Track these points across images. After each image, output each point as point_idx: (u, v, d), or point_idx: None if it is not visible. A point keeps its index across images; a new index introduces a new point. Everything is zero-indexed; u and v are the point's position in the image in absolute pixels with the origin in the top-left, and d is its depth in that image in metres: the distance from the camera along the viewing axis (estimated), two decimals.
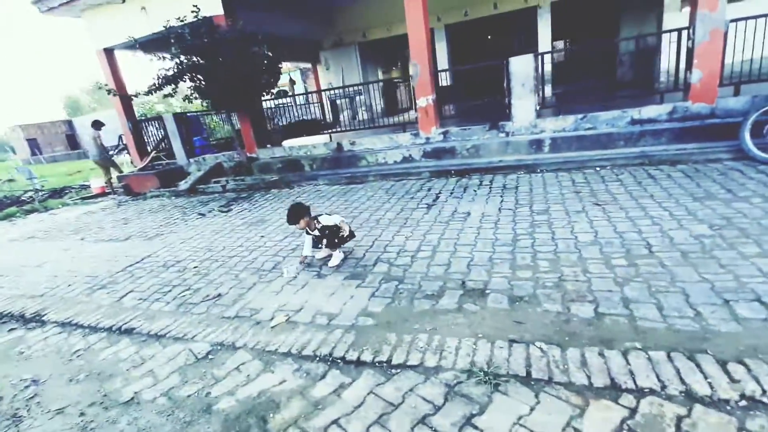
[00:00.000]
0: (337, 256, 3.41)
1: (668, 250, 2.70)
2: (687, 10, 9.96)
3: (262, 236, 4.52)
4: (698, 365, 1.70)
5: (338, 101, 12.05)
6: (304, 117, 13.54)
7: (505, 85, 6.11)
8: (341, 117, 12.70)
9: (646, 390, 1.62)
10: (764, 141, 4.05)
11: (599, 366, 1.79)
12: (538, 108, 5.90)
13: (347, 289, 2.93)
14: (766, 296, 2.09)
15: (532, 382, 1.76)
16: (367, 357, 2.14)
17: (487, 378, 1.82)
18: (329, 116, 18.25)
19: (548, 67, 9.64)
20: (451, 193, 4.94)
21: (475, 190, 4.90)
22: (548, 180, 4.81)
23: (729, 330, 1.90)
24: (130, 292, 3.60)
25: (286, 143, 8.74)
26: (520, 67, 5.73)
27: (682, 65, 5.75)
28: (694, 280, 2.32)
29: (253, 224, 5.07)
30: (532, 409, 1.62)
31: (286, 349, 2.34)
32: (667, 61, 7.90)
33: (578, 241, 3.06)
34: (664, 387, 1.62)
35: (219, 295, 3.21)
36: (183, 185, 8.28)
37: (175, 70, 6.45)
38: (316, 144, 7.75)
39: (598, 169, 4.90)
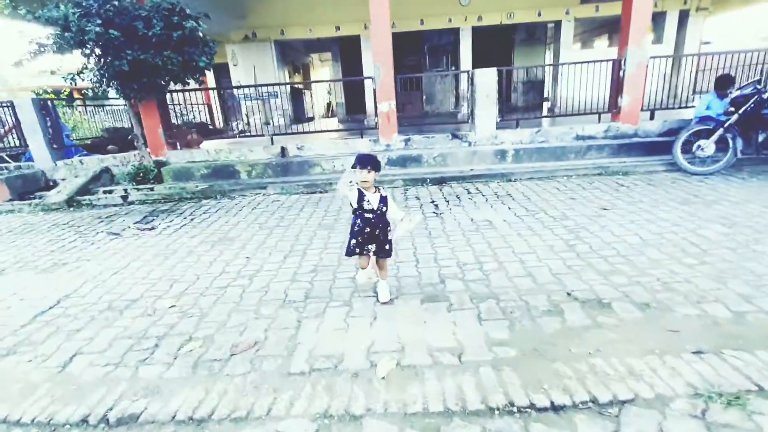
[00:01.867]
0: (385, 286, 2.65)
1: (716, 247, 2.99)
2: (578, 45, 12.00)
3: (248, 257, 3.53)
4: None
5: (248, 103, 10.73)
6: (187, 119, 11.74)
7: (469, 95, 6.24)
8: (251, 120, 11.37)
9: None
10: (693, 156, 4.98)
11: None
12: (498, 120, 6.18)
13: (439, 315, 2.42)
14: None
15: None
16: (561, 398, 1.72)
17: (727, 399, 1.62)
18: (219, 119, 16.25)
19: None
20: (447, 202, 4.72)
21: (470, 198, 4.79)
22: (532, 188, 5.02)
23: None
24: (76, 355, 2.33)
25: (209, 145, 7.29)
26: (485, 79, 5.93)
27: (571, 92, 6.78)
28: None
29: (217, 243, 3.95)
30: None
31: (440, 407, 1.74)
32: (563, 89, 9.33)
33: (630, 244, 3.17)
34: None
35: (255, 343, 2.30)
36: (55, 196, 6.10)
37: (63, 39, 4.70)
38: (253, 148, 6.64)
39: (565, 178, 5.34)
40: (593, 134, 6.04)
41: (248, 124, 11.75)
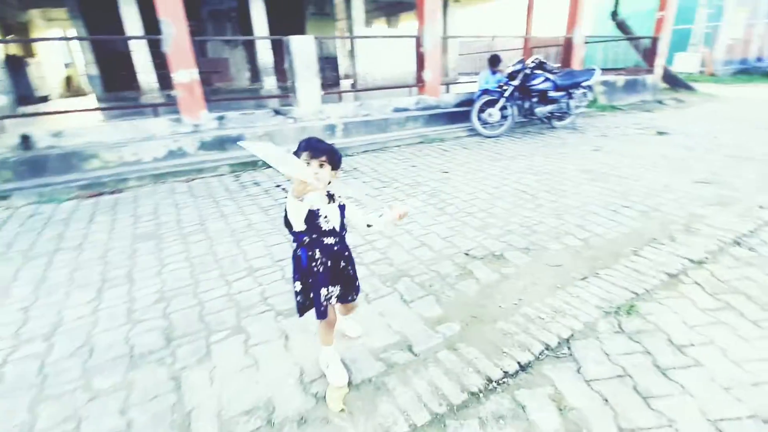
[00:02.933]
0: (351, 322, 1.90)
1: (539, 192, 3.66)
2: (374, 23, 12.49)
3: (25, 306, 2.20)
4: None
5: None
6: None
7: (286, 66, 5.66)
8: None
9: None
10: (484, 122, 6.02)
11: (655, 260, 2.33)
12: (322, 94, 5.89)
13: (361, 310, 2.07)
14: None
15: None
16: (523, 356, 1.71)
17: (625, 310, 1.96)
18: None
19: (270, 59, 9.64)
20: None
21: None
22: (372, 160, 5.04)
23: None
24: None
25: None
26: (303, 47, 5.49)
27: (370, 68, 7.33)
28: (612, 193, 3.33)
29: None
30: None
31: (426, 416, 1.46)
32: (362, 65, 9.77)
33: (483, 200, 3.54)
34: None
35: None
36: None
37: None
38: None
39: (396, 148, 5.61)
40: (407, 106, 6.54)
41: None
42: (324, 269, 1.49)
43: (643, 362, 1.65)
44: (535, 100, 5.99)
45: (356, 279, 1.64)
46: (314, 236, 1.46)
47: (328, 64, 12.81)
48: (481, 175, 4.22)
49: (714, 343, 1.74)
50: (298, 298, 1.54)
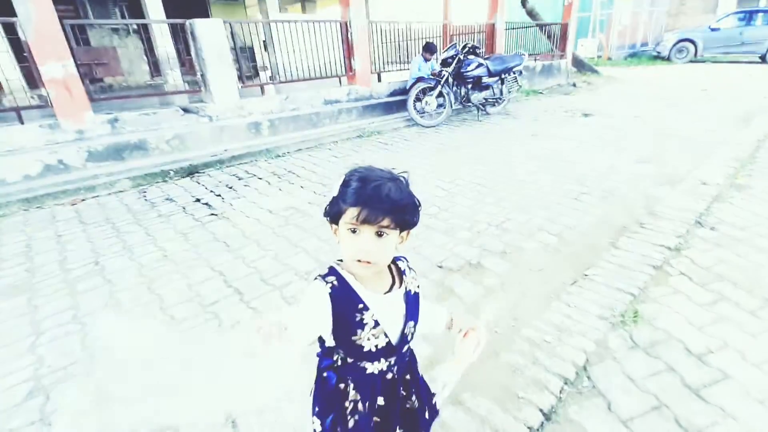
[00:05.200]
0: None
1: (495, 184, 3.44)
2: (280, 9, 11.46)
3: None
4: None
5: None
6: None
7: (193, 55, 4.79)
8: None
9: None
10: (421, 111, 5.74)
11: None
12: (240, 87, 5.14)
13: None
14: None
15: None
16: (543, 399, 1.40)
17: (630, 318, 1.75)
18: None
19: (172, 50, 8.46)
20: (220, 196, 3.52)
21: (246, 185, 3.75)
22: (308, 160, 4.47)
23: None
24: None
25: None
26: (211, 32, 4.69)
27: (289, 59, 6.77)
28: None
29: None
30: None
31: None
32: (280, 55, 8.98)
33: (441, 197, 3.22)
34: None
35: None
36: None
37: None
38: None
39: (333, 144, 5.10)
40: (339, 98, 6.01)
41: None
42: (362, 418, 0.81)
43: (671, 383, 1.44)
44: (470, 86, 5.85)
45: (434, 412, 0.95)
46: (348, 359, 0.79)
47: (243, 55, 11.69)
48: (429, 170, 3.91)
49: (728, 345, 1.59)
50: None
